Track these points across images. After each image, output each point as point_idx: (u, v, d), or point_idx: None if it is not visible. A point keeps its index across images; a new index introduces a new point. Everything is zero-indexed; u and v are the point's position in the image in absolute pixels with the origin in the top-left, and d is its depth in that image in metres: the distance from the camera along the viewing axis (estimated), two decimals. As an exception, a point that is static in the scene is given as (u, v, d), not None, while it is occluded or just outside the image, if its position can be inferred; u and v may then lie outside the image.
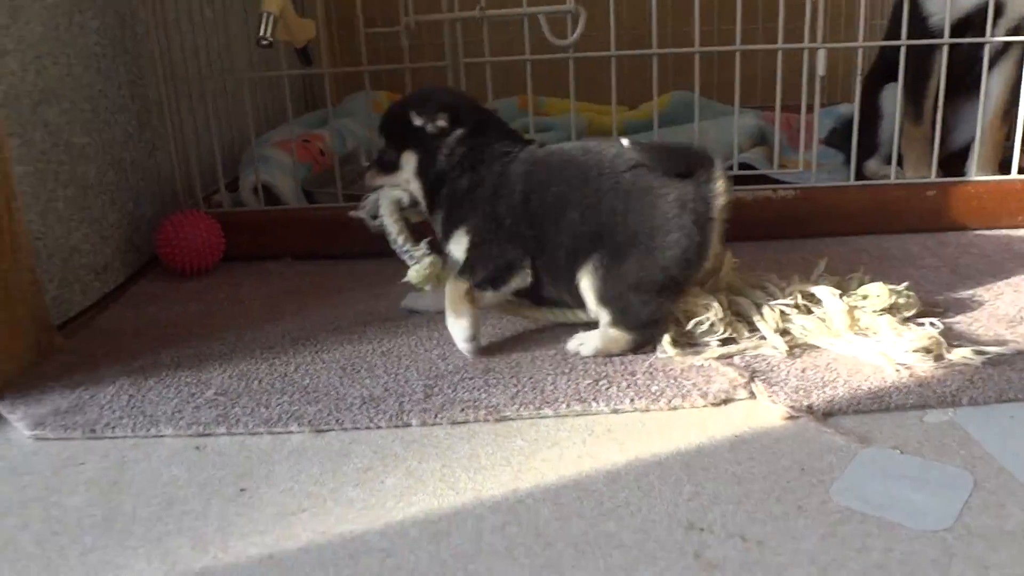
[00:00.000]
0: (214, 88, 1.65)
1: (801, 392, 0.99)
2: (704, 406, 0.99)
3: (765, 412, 0.98)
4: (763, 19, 2.46)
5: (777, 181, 1.65)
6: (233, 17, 1.75)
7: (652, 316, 1.10)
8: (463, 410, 0.98)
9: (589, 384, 1.03)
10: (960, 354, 1.05)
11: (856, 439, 0.91)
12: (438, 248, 1.21)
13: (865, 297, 1.16)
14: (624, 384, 1.03)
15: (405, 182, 1.22)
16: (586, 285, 1.11)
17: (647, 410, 0.99)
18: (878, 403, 0.98)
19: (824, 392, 0.99)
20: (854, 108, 2.03)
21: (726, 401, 1.00)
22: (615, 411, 0.98)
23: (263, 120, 2.02)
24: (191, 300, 1.39)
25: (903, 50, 1.53)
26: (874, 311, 1.13)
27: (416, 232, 1.22)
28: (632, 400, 0.99)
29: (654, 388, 1.01)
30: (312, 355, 1.15)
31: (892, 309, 1.14)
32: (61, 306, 1.26)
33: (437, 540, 0.77)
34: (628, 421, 0.97)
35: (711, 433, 0.94)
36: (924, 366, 1.04)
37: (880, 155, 1.80)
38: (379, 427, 0.97)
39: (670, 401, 0.99)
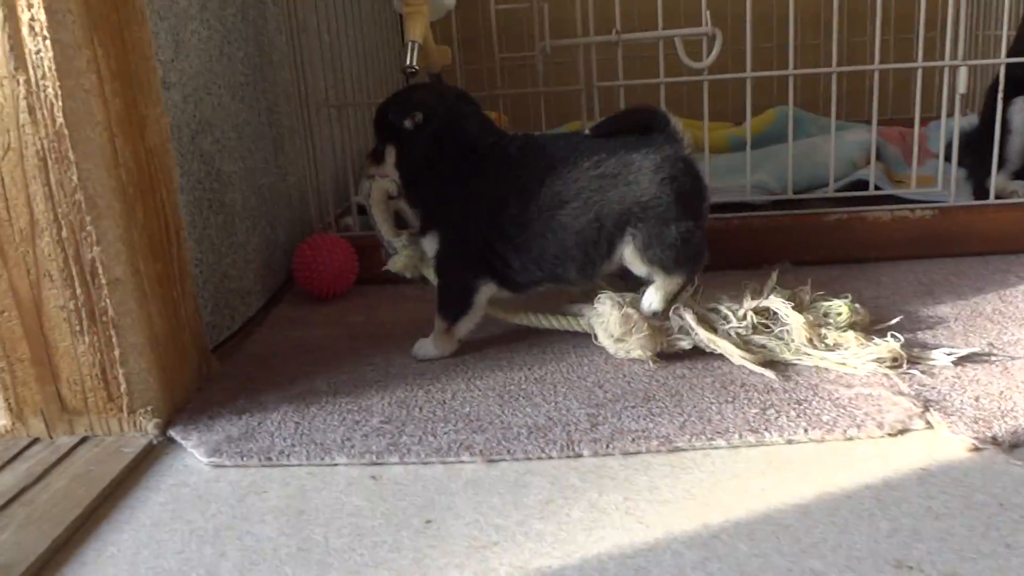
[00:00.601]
0: (344, 113, 1.68)
1: (981, 423, 0.96)
2: (881, 436, 0.97)
3: (945, 443, 0.95)
4: (869, 32, 2.42)
5: (904, 200, 1.61)
6: (363, 42, 1.78)
7: (698, 248, 1.19)
8: (634, 440, 0.97)
9: (757, 413, 1.01)
10: (928, 360, 1.11)
11: (1050, 473, 0.88)
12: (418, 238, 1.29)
13: (826, 315, 1.20)
14: (793, 413, 1.01)
15: (391, 172, 1.28)
16: (630, 256, 1.19)
17: (822, 440, 0.97)
18: (1065, 434, 0.94)
19: (1005, 422, 0.96)
20: (970, 121, 1.98)
21: (903, 431, 0.97)
22: (789, 442, 0.97)
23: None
24: (332, 324, 1.41)
25: (1044, 64, 1.48)
26: (838, 328, 1.16)
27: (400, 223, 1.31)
28: (806, 430, 0.97)
29: (825, 418, 0.99)
30: (466, 382, 1.15)
31: (854, 325, 1.18)
32: (213, 331, 1.29)
33: (638, 576, 0.77)
34: (804, 452, 0.95)
35: (894, 465, 0.91)
36: (891, 374, 1.08)
37: (1006, 171, 1.74)
38: (551, 457, 0.97)
39: (845, 431, 0.97)
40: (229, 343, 1.33)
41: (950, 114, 1.53)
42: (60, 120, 0.95)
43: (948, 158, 1.97)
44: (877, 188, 1.62)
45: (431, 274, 1.28)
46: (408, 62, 1.32)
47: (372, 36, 1.94)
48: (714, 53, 1.39)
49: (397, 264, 1.28)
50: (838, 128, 2.04)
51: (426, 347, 1.24)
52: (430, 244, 1.25)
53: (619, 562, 0.79)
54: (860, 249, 1.51)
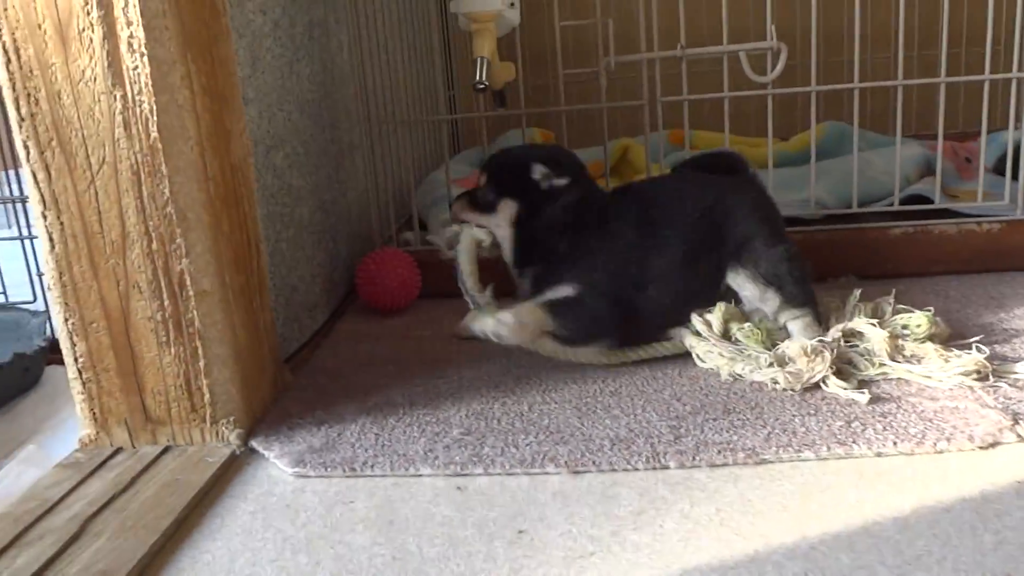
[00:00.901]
0: (401, 130, 1.70)
1: (1073, 436, 0.95)
2: (972, 449, 0.95)
3: (1038, 457, 0.94)
4: (919, 47, 2.41)
5: (961, 213, 1.59)
6: (416, 62, 1.80)
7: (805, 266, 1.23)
8: (720, 452, 0.97)
9: (842, 425, 1.01)
10: (1012, 373, 1.09)
11: None
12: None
13: (906, 327, 1.19)
14: (880, 426, 1.00)
15: (495, 226, 1.22)
16: (744, 279, 1.20)
17: (912, 453, 0.96)
18: None
19: (1098, 436, 0.95)
20: (1021, 134, 1.96)
21: (993, 444, 0.96)
22: (879, 454, 0.96)
23: (424, 161, 2.07)
24: (398, 337, 1.42)
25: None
26: (916, 340, 1.16)
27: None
28: (895, 443, 0.96)
29: (913, 430, 0.98)
30: (541, 394, 1.15)
31: (933, 337, 1.17)
32: (283, 344, 1.30)
33: (742, 587, 0.76)
34: (894, 465, 0.94)
35: (990, 478, 0.90)
36: (976, 387, 1.07)
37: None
38: (636, 469, 0.97)
39: (935, 444, 0.96)
40: (298, 356, 1.34)
41: (1015, 127, 1.51)
42: (154, 135, 0.96)
43: (1000, 171, 1.96)
44: (923, 199, 1.61)
45: None
46: (478, 77, 1.33)
47: (422, 57, 1.97)
48: (779, 67, 1.40)
49: (476, 318, 1.19)
50: (889, 143, 2.04)
51: (492, 324, 1.13)
52: (555, 295, 1.19)
53: (720, 573, 0.78)
54: (926, 263, 1.50)
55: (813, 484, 0.92)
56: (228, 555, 0.87)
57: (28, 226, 1.69)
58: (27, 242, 1.66)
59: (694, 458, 0.96)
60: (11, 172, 1.78)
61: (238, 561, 0.86)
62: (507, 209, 1.21)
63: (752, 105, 2.11)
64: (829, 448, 0.96)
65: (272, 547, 0.88)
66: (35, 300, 1.66)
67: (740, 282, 1.22)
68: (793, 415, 1.04)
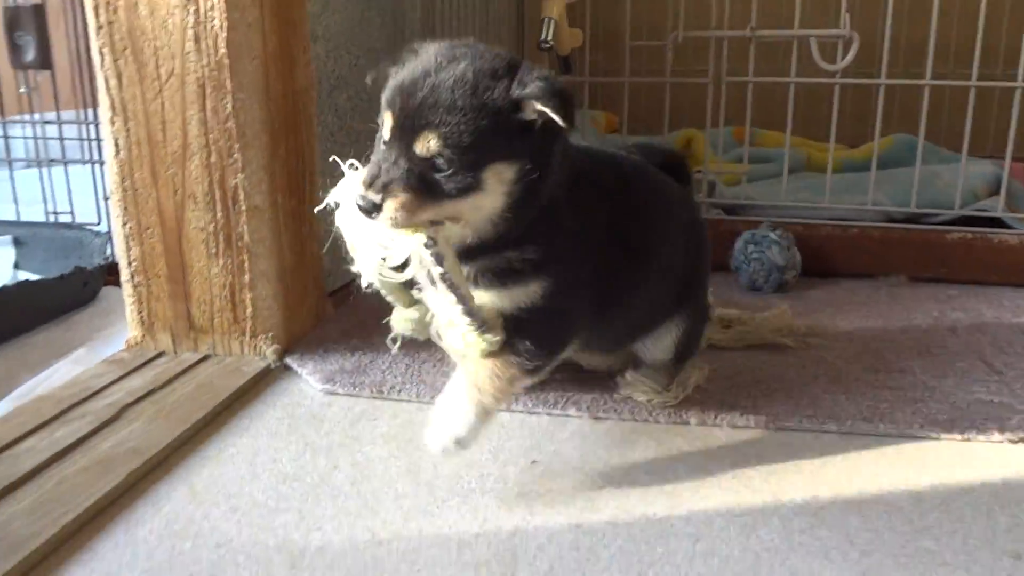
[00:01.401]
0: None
1: (1109, 439, 0.93)
2: (1001, 442, 0.94)
3: (1068, 455, 0.92)
4: (1004, 65, 2.35)
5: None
6: (485, 18, 1.83)
7: None
8: (743, 414, 0.97)
9: (870, 405, 1.00)
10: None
11: None
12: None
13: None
14: (909, 411, 0.99)
15: (473, 209, 0.77)
16: (668, 344, 1.00)
17: (939, 438, 0.94)
18: None
19: None
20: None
21: None
22: (903, 435, 0.95)
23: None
24: (440, 287, 1.44)
25: None
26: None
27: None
28: (921, 426, 0.95)
29: (942, 418, 0.97)
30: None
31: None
32: (328, 278, 1.33)
33: (746, 533, 0.76)
34: (919, 447, 0.93)
35: (1016, 469, 0.89)
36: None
37: None
38: (657, 422, 0.97)
39: (964, 432, 0.94)
40: (341, 292, 1.37)
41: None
42: (223, 50, 1.00)
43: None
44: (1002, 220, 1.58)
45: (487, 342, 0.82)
46: (543, 36, 1.34)
47: (493, 24, 1.98)
48: (849, 56, 1.38)
49: (494, 344, 0.82)
50: (956, 160, 1.99)
51: (461, 423, 0.82)
52: (517, 297, 0.83)
53: (726, 518, 0.79)
54: (981, 271, 1.47)
55: (832, 454, 0.91)
56: (252, 450, 0.90)
57: (100, 154, 1.75)
58: (96, 167, 1.72)
59: (716, 417, 0.97)
60: (89, 111, 1.85)
61: (261, 456, 0.89)
62: (502, 179, 0.76)
63: (823, 110, 2.08)
64: (853, 423, 0.95)
65: (295, 448, 0.91)
66: (100, 223, 1.72)
67: (663, 346, 1.01)
68: (822, 391, 1.03)
